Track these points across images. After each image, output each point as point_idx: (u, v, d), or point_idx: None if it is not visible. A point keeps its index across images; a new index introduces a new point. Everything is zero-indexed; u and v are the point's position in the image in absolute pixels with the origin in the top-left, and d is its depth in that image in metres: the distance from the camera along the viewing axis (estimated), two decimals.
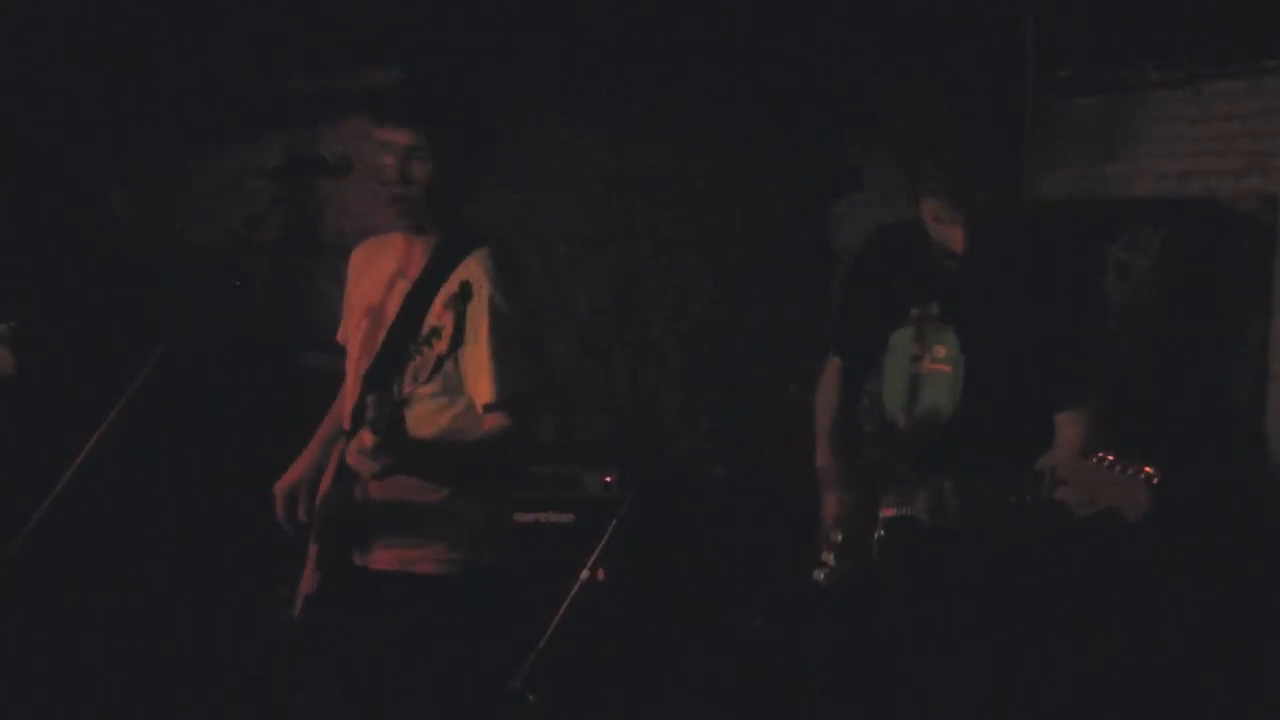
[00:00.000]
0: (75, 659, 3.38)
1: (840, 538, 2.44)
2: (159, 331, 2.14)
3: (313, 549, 2.32)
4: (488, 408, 2.25)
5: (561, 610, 1.94)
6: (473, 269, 2.26)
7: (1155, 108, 4.40)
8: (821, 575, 2.43)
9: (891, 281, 2.50)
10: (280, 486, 2.42)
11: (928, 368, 2.40)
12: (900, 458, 2.39)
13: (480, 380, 2.24)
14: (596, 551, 1.97)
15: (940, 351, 2.38)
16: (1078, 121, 4.54)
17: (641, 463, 3.94)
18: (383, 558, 2.30)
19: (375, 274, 2.43)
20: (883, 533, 2.37)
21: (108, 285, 3.69)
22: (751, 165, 5.05)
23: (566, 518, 3.70)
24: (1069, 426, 2.30)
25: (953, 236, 2.34)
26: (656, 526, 3.66)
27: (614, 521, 1.96)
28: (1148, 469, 1.99)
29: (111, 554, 3.55)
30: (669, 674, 3.58)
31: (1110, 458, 2.00)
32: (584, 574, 1.95)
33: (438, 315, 2.18)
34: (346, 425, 2.23)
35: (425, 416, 2.26)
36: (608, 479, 3.79)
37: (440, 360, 2.06)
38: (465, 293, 2.08)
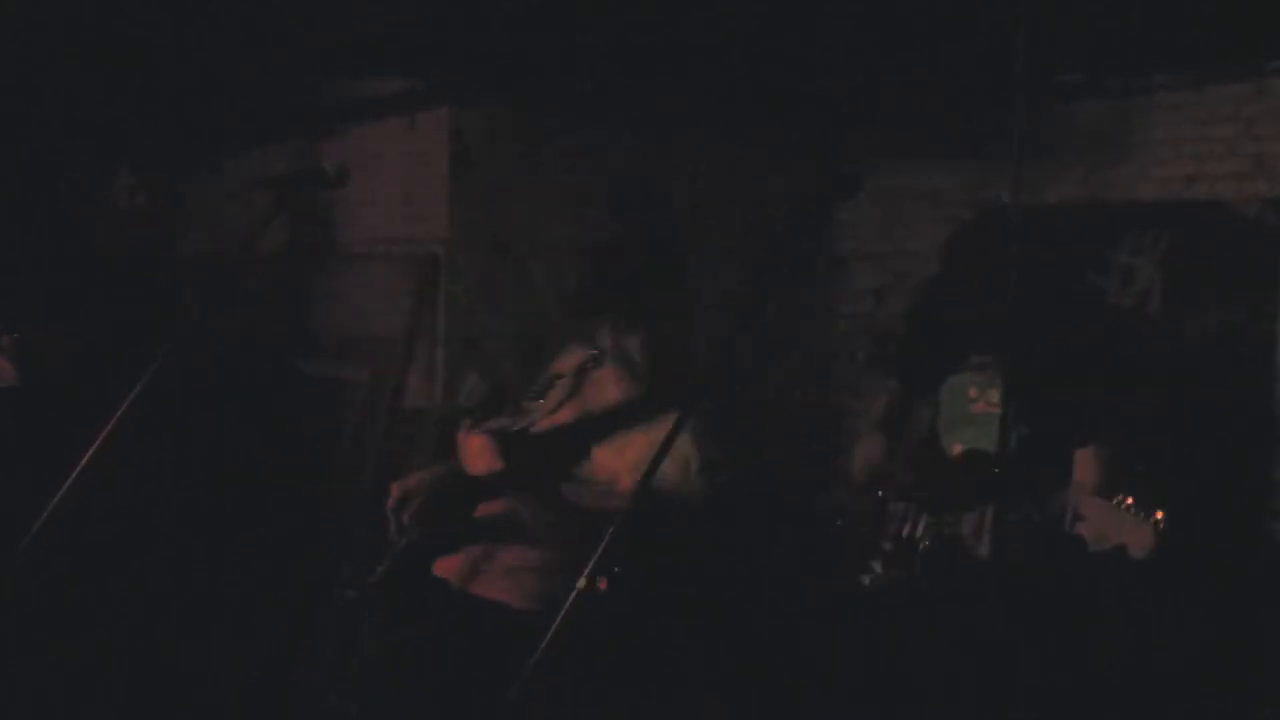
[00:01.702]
0: (77, 662, 3.39)
1: (890, 547, 2.53)
2: (161, 339, 2.14)
3: (404, 542, 2.41)
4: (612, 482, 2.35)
5: (559, 618, 1.93)
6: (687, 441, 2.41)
7: (1160, 111, 4.39)
8: (867, 580, 2.52)
9: (955, 329, 2.71)
10: (403, 484, 2.51)
11: (982, 409, 2.57)
12: (951, 485, 2.53)
13: (627, 463, 2.35)
14: (594, 560, 1.96)
15: (994, 396, 2.53)
16: (1082, 125, 4.54)
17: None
18: (457, 574, 2.40)
19: (591, 367, 2.57)
20: (927, 544, 2.51)
21: (110, 293, 3.68)
22: (751, 165, 5.05)
23: None
24: (1084, 465, 2.45)
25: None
26: (656, 532, 3.66)
27: (610, 529, 1.95)
28: (1159, 514, 2.18)
29: (113, 559, 3.55)
30: (668, 679, 3.57)
31: (1129, 500, 2.20)
32: (581, 582, 1.94)
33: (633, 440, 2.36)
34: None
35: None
36: None
37: None
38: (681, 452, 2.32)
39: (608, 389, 2.51)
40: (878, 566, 2.58)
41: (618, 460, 2.39)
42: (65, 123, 4.46)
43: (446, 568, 2.44)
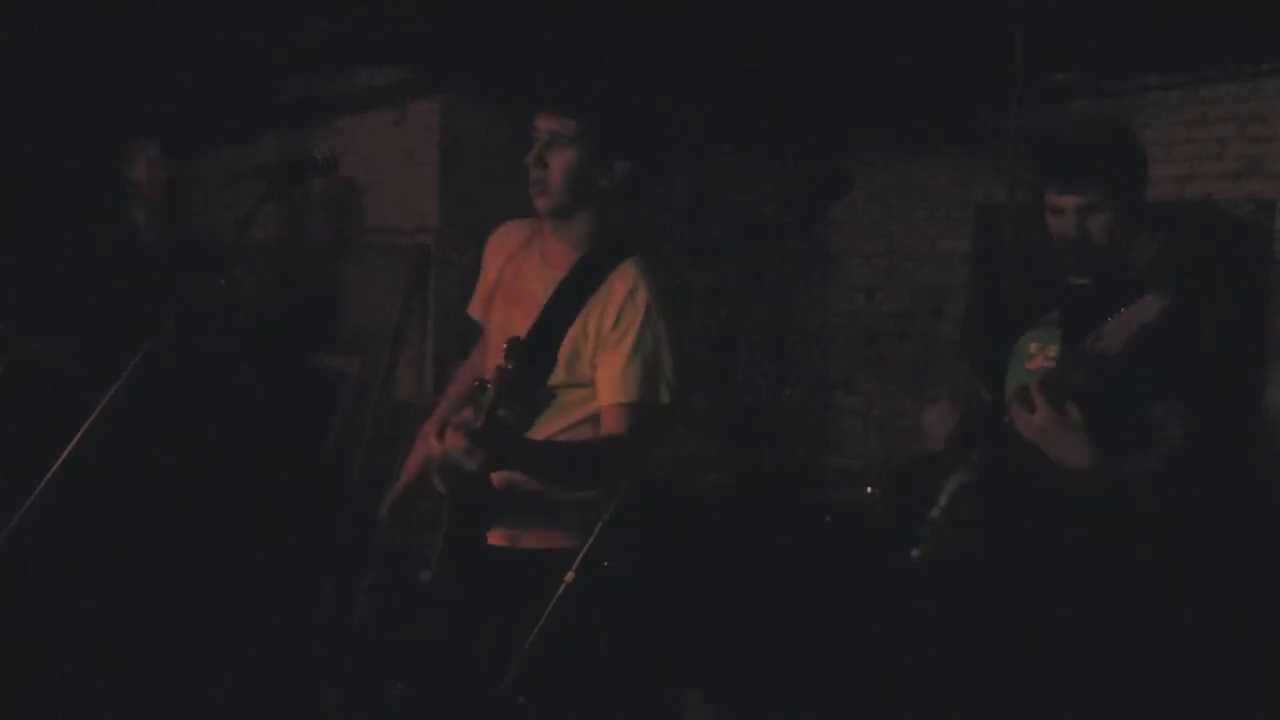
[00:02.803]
0: (65, 656, 3.37)
1: (937, 514, 2.48)
2: (153, 330, 2.13)
3: (446, 519, 2.35)
4: (610, 408, 2.26)
5: (547, 612, 1.92)
6: (631, 274, 2.28)
7: (1153, 111, 4.39)
8: (917, 552, 2.47)
9: (1025, 289, 2.64)
10: (409, 470, 2.47)
11: (1038, 365, 2.49)
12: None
13: (611, 380, 2.25)
14: (583, 553, 1.95)
15: (1052, 351, 2.47)
16: None
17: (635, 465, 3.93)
18: (506, 537, 2.36)
19: (518, 258, 2.45)
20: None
21: (98, 284, 3.67)
22: (748, 162, 5.05)
23: None
24: (1168, 420, 2.34)
25: (1098, 231, 2.42)
26: (650, 529, 3.66)
27: (600, 524, 1.95)
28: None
29: (99, 553, 3.54)
30: (660, 677, 3.57)
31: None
32: (569, 575, 1.94)
33: (590, 318, 2.25)
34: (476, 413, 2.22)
35: (556, 413, 2.29)
36: None
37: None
38: (622, 295, 2.21)
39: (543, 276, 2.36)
40: (925, 533, 2.52)
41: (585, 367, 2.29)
42: (62, 118, 4.46)
43: (497, 536, 2.39)
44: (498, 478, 2.32)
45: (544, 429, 2.31)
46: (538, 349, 2.27)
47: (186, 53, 4.26)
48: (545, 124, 2.32)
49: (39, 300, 3.66)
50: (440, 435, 2.16)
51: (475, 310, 2.59)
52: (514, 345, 2.12)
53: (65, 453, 2.04)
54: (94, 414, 2.04)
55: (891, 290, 5.32)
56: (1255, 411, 4.11)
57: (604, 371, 2.26)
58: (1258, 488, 3.94)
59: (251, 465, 3.90)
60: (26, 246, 4.00)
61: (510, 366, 2.09)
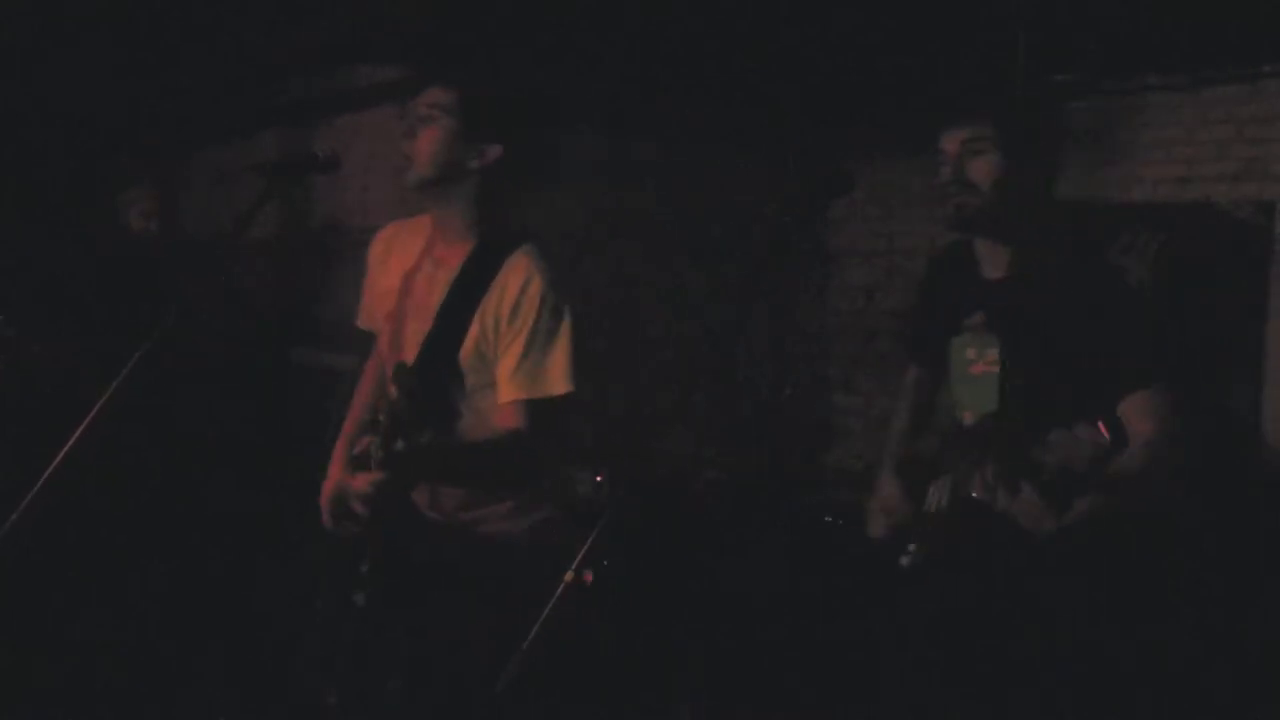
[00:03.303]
0: (65, 656, 3.37)
1: (925, 525, 2.47)
2: (153, 330, 2.13)
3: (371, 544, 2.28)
4: (505, 405, 2.19)
5: (546, 611, 1.92)
6: (524, 265, 2.21)
7: (1153, 112, 4.40)
8: (906, 561, 2.47)
9: (947, 294, 2.59)
10: (324, 496, 2.36)
11: (980, 370, 2.47)
12: (967, 449, 2.42)
13: (506, 377, 2.18)
14: (582, 552, 1.95)
15: (991, 356, 2.44)
16: (1075, 126, 4.54)
17: (632, 464, 3.94)
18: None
19: (404, 261, 2.37)
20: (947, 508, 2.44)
21: (98, 284, 3.68)
22: (750, 165, 5.06)
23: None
24: (1136, 420, 2.27)
25: (980, 170, 2.39)
26: (648, 528, 3.67)
27: (599, 522, 1.94)
28: (1103, 429, 2.04)
29: (99, 553, 3.54)
30: (659, 677, 3.57)
31: (1103, 429, 2.06)
32: (569, 575, 1.93)
33: (487, 316, 2.18)
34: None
35: (482, 420, 2.24)
36: (599, 478, 3.81)
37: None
38: (517, 287, 2.14)
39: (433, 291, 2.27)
40: (913, 547, 2.51)
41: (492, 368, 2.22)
42: (62, 118, 4.46)
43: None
44: (421, 502, 2.28)
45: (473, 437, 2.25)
46: (439, 358, 2.21)
47: (186, 53, 4.26)
48: (425, 97, 2.27)
49: (39, 300, 3.66)
50: (348, 463, 2.11)
51: (364, 321, 2.49)
52: (400, 371, 2.04)
53: (63, 452, 2.03)
54: (92, 413, 2.03)
55: (891, 290, 5.33)
56: (1255, 412, 4.11)
57: (501, 369, 2.19)
58: (1258, 488, 3.95)
59: (251, 465, 3.90)
60: (26, 246, 4.00)
61: (398, 397, 1.99)
